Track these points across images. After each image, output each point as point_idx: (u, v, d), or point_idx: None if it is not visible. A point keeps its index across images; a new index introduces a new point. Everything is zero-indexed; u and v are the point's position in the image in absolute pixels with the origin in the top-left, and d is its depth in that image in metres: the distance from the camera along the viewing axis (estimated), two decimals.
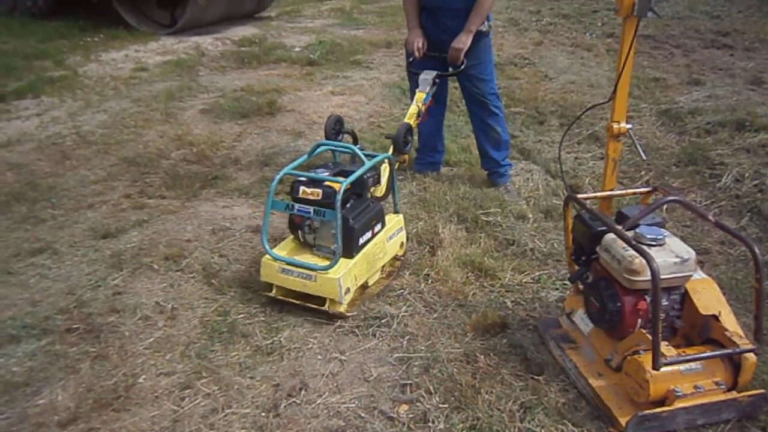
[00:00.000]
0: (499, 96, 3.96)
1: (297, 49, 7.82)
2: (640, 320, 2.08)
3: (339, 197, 2.56)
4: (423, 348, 2.52)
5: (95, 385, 2.36)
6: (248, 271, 3.11)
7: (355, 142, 3.21)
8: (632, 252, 1.99)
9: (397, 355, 2.50)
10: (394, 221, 3.03)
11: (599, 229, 2.19)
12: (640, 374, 1.98)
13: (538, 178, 4.22)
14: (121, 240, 3.40)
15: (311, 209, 2.67)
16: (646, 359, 1.98)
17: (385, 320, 2.69)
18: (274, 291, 2.77)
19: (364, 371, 2.42)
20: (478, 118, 3.97)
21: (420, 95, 3.44)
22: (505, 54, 7.30)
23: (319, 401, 2.27)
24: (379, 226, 2.89)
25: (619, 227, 2.05)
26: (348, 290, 2.67)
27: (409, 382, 2.34)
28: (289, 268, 2.70)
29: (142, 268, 3.13)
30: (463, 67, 3.58)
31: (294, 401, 2.26)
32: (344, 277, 2.63)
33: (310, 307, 2.72)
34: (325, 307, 2.68)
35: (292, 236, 2.91)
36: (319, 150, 3.00)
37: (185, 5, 8.25)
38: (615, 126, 2.29)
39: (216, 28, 8.84)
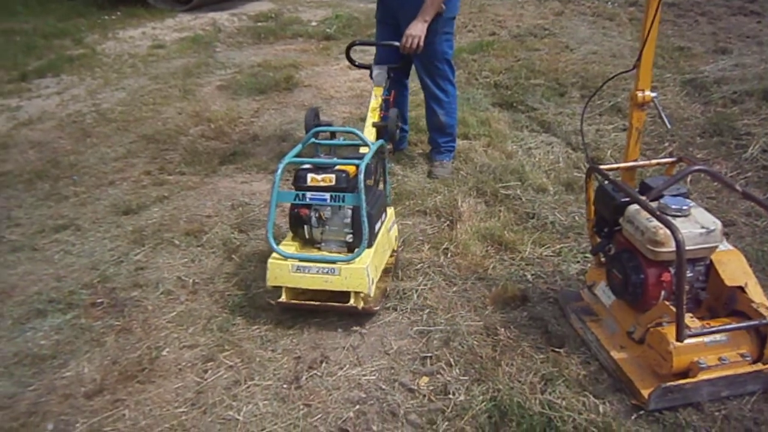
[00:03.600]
0: (451, 80, 3.78)
1: (313, 24, 7.76)
2: (663, 292, 2.05)
3: (362, 177, 2.38)
4: (443, 321, 2.52)
5: (120, 358, 2.40)
6: (267, 247, 3.11)
7: (333, 135, 2.94)
8: (656, 223, 1.96)
9: (417, 328, 2.50)
10: (389, 213, 2.84)
11: (622, 200, 2.15)
12: (664, 346, 1.96)
13: (559, 150, 4.16)
14: (143, 216, 3.44)
15: (327, 196, 2.45)
16: (670, 331, 1.95)
17: (404, 294, 2.69)
18: (284, 296, 2.48)
19: (384, 344, 2.43)
20: (426, 97, 3.86)
21: (378, 90, 3.26)
22: (525, 25, 7.16)
23: (340, 373, 2.28)
24: (384, 215, 2.75)
25: (643, 198, 2.01)
26: (373, 281, 2.46)
27: (429, 354, 2.35)
28: (305, 264, 2.43)
29: (163, 244, 3.16)
30: (412, 57, 3.48)
31: (315, 373, 2.28)
32: (371, 267, 2.43)
33: (332, 308, 2.50)
34: (351, 304, 2.42)
35: (290, 235, 2.65)
36: (310, 138, 2.77)
37: None
38: (639, 94, 2.24)
39: (232, 4, 8.80)
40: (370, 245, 2.45)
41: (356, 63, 3.61)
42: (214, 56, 6.47)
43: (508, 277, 2.78)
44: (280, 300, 2.48)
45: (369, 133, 3.06)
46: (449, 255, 2.98)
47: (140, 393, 2.23)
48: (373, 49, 3.77)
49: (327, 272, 2.41)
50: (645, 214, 2.02)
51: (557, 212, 3.30)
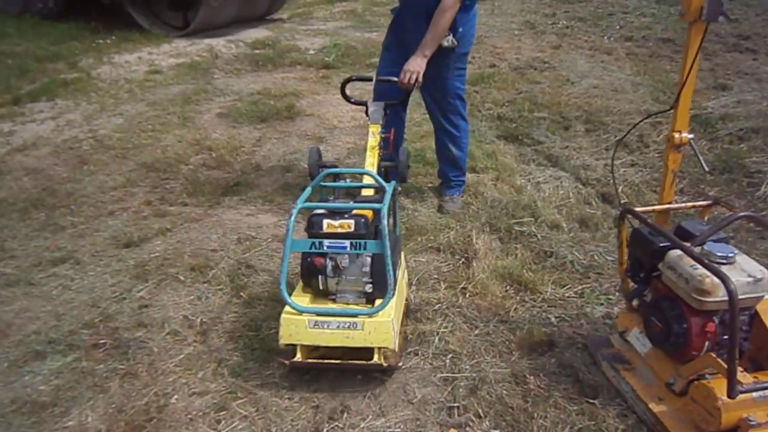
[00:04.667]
0: (463, 115, 3.70)
1: (311, 52, 7.72)
2: (707, 343, 1.96)
3: (385, 222, 2.20)
4: (468, 367, 2.40)
5: (126, 406, 2.25)
6: (277, 283, 2.98)
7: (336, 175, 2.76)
8: (702, 271, 1.87)
9: (440, 375, 2.38)
10: (402, 256, 2.66)
11: (661, 244, 2.06)
12: (711, 401, 1.86)
13: (568, 185, 4.09)
14: (145, 249, 3.30)
15: (347, 243, 2.24)
16: (717, 385, 1.86)
17: (425, 337, 2.57)
18: (299, 355, 2.26)
19: (407, 392, 2.30)
20: (437, 132, 3.79)
21: (375, 128, 3.08)
22: (524, 57, 7.18)
23: (362, 425, 2.15)
24: (401, 261, 2.58)
25: (687, 244, 1.93)
26: (397, 335, 2.27)
27: (456, 404, 2.23)
28: (324, 319, 2.22)
29: (167, 280, 3.02)
30: (411, 92, 3.35)
31: (336, 425, 2.15)
32: (395, 320, 2.26)
33: (353, 366, 2.29)
34: (376, 361, 2.22)
35: (300, 285, 2.45)
36: (320, 181, 2.58)
37: (198, 7, 8.15)
38: (676, 136, 2.18)
39: (228, 31, 8.73)
40: (391, 295, 2.24)
41: (351, 100, 3.40)
42: (212, 83, 6.38)
43: (531, 320, 2.68)
44: (295, 360, 2.25)
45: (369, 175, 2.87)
46: (467, 295, 2.87)
47: None
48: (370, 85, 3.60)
49: (348, 327, 2.20)
50: (688, 260, 1.93)
51: (575, 251, 3.22)
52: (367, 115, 3.19)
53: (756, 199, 3.80)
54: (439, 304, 2.80)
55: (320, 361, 2.29)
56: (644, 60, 6.99)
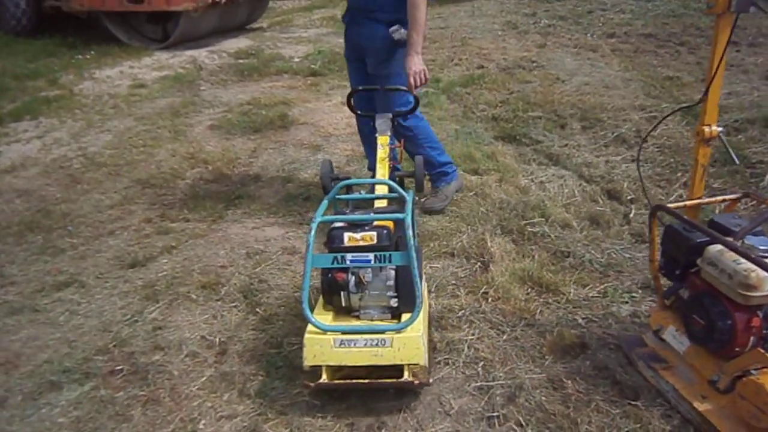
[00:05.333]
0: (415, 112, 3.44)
1: (296, 60, 7.64)
2: (752, 338, 1.93)
3: (410, 233, 2.09)
4: (502, 375, 2.35)
5: None
6: (292, 297, 2.92)
7: (349, 188, 2.69)
8: (746, 265, 1.84)
9: (474, 384, 2.32)
10: None
11: (699, 240, 2.03)
12: (762, 397, 1.83)
13: (572, 183, 4.07)
14: (151, 269, 3.19)
15: (371, 256, 2.14)
16: (767, 380, 1.82)
17: (453, 346, 2.51)
18: (324, 376, 2.14)
19: (442, 404, 2.24)
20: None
21: (383, 139, 2.97)
22: (511, 57, 7.18)
23: None
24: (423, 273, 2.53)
25: (729, 239, 1.90)
26: (426, 350, 2.18)
27: (496, 414, 2.17)
28: (350, 338, 2.11)
29: (179, 299, 2.92)
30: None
31: None
32: (425, 334, 2.18)
33: (383, 386, 2.20)
34: (407, 379, 2.11)
35: (321, 302, 2.36)
36: (336, 192, 2.48)
37: (177, 19, 8.03)
38: (706, 129, 2.15)
39: (209, 41, 8.63)
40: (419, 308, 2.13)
41: (359, 112, 3.32)
42: (199, 95, 6.28)
43: (558, 322, 2.63)
44: (321, 381, 2.14)
45: (381, 186, 2.76)
46: (489, 300, 2.82)
47: None
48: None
49: (376, 344, 2.10)
50: (730, 255, 1.90)
51: (591, 249, 3.19)
52: (373, 126, 3.10)
53: (761, 190, 3.81)
54: (462, 311, 2.74)
55: (348, 381, 2.17)
56: (630, 56, 7.03)
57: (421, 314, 2.14)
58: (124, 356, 2.56)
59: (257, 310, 2.84)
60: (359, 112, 3.32)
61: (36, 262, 3.32)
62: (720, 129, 2.17)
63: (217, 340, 2.64)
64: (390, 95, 3.32)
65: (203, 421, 2.21)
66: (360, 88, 3.32)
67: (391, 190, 2.55)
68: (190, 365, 2.50)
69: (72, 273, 3.19)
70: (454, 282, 3.00)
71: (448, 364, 2.43)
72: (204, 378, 2.42)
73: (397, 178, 2.87)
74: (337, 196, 2.49)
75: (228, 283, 3.04)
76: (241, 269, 3.16)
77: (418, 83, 3.20)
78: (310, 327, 2.14)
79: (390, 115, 3.08)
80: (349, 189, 2.64)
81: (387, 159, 2.92)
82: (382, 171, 2.86)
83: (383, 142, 2.98)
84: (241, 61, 7.63)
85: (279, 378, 2.40)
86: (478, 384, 2.32)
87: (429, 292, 2.86)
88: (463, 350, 2.48)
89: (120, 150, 4.82)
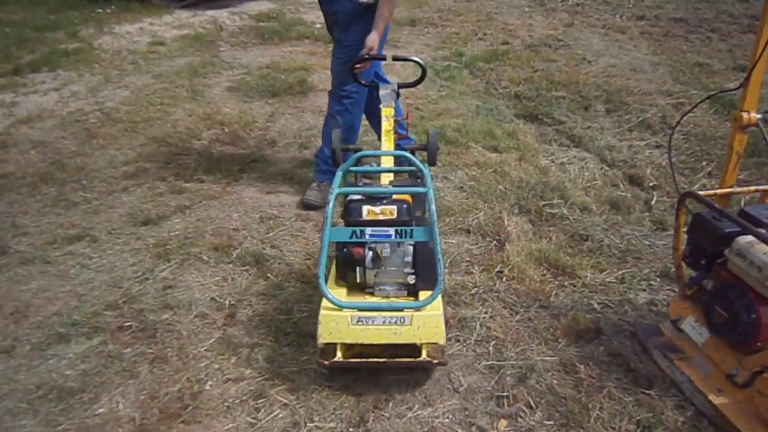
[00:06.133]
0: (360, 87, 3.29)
1: (318, 26, 7.50)
2: None
3: (434, 207, 2.04)
4: (513, 355, 2.31)
5: (158, 392, 2.15)
6: (304, 264, 2.89)
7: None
8: None
9: (485, 362, 2.28)
10: None
11: (728, 230, 1.97)
12: None
13: (594, 167, 3.99)
14: (164, 227, 3.17)
15: (391, 231, 2.07)
16: None
17: (465, 323, 2.48)
18: (339, 354, 2.07)
19: (452, 380, 2.21)
20: (330, 104, 3.51)
21: (388, 111, 2.86)
22: (536, 35, 7.02)
23: (409, 414, 2.06)
24: None
25: (761, 230, 1.83)
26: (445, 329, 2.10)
27: (505, 394, 2.14)
28: (368, 315, 2.03)
29: (190, 259, 2.90)
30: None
31: (382, 414, 2.06)
32: (444, 313, 2.10)
33: (400, 364, 2.12)
34: (425, 358, 2.05)
35: (333, 277, 2.26)
36: (351, 164, 2.36)
37: None
38: (745, 116, 2.07)
39: (230, 3, 8.50)
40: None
41: (362, 81, 3.16)
42: (218, 56, 6.19)
43: (573, 306, 2.58)
44: (336, 360, 2.06)
45: (387, 160, 2.67)
46: (504, 279, 2.78)
47: None
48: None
49: (395, 322, 2.02)
50: (762, 247, 1.84)
51: (610, 234, 3.12)
52: (378, 97, 2.97)
53: None
54: (476, 288, 2.70)
55: (364, 360, 2.11)
56: (659, 39, 6.85)
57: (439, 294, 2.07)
58: (134, 313, 2.54)
59: (268, 275, 2.81)
60: (363, 82, 3.16)
61: (49, 214, 3.30)
62: (759, 116, 2.08)
63: (227, 302, 2.62)
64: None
65: (210, 383, 2.20)
66: (366, 56, 3.09)
67: (400, 163, 2.45)
68: (199, 326, 2.48)
69: (84, 227, 3.17)
70: (468, 259, 2.96)
71: (459, 341, 2.39)
72: (212, 339, 2.41)
73: (409, 151, 2.70)
74: (351, 168, 2.40)
75: (240, 247, 3.01)
76: (253, 233, 3.13)
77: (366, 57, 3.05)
78: (325, 303, 2.05)
79: (395, 85, 2.96)
80: (359, 161, 2.51)
81: (393, 132, 2.81)
82: (388, 144, 2.76)
83: (388, 113, 2.86)
84: (262, 24, 7.51)
85: (288, 344, 2.38)
86: (489, 363, 2.28)
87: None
88: (475, 328, 2.45)
89: (137, 107, 4.77)
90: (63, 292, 2.68)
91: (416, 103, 5.03)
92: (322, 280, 2.03)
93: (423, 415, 2.06)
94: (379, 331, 2.03)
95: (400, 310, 2.04)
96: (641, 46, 6.55)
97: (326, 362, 2.07)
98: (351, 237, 2.09)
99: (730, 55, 6.22)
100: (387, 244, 2.15)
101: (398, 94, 2.98)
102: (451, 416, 2.06)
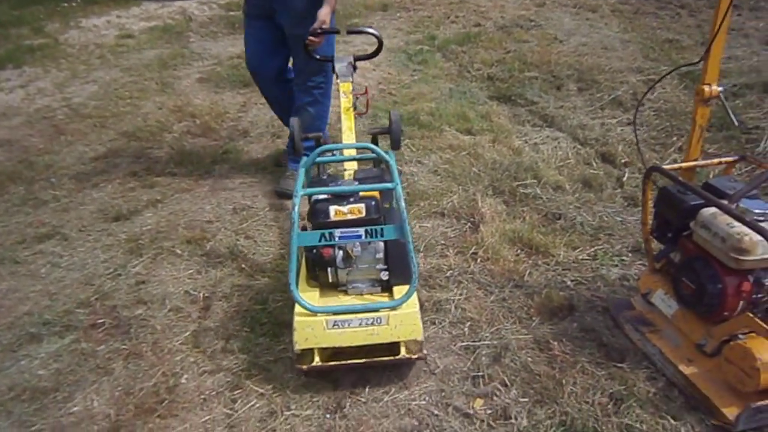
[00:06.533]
0: (327, 75, 3.28)
1: None
2: (742, 303, 1.91)
3: (402, 204, 1.98)
4: (488, 335, 2.33)
5: (133, 388, 2.14)
6: (278, 254, 2.88)
7: (318, 144, 2.51)
8: (740, 228, 1.81)
9: (461, 343, 2.30)
10: None
11: (692, 203, 1.99)
12: (748, 361, 1.81)
13: (566, 146, 4.00)
14: (136, 222, 3.14)
15: (361, 231, 2.02)
16: (754, 345, 1.81)
17: (440, 306, 2.49)
18: (317, 359, 2.04)
19: (428, 362, 2.22)
20: (297, 97, 3.39)
21: (346, 86, 2.77)
22: (508, 16, 7.01)
23: (386, 398, 2.07)
24: None
25: (724, 201, 1.86)
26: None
27: (481, 373, 2.15)
28: (343, 318, 2.00)
29: (163, 254, 2.88)
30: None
31: (359, 399, 2.06)
32: (419, 309, 2.08)
33: (380, 363, 2.09)
34: (404, 355, 2.04)
35: (304, 276, 2.23)
36: (314, 160, 2.25)
37: None
38: (706, 89, 2.08)
39: None
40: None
41: (317, 56, 2.99)
42: (188, 47, 6.11)
43: (547, 284, 2.61)
44: (314, 365, 2.03)
45: (348, 139, 2.63)
46: (479, 260, 2.79)
47: (163, 430, 1.98)
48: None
49: (372, 323, 1.99)
50: (724, 218, 1.87)
51: (583, 212, 3.15)
52: (333, 72, 2.89)
53: (757, 155, 3.76)
54: (451, 271, 2.71)
55: (342, 362, 2.07)
56: (630, 17, 6.87)
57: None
58: (106, 310, 2.52)
59: (242, 266, 2.79)
60: (318, 57, 2.99)
61: (17, 214, 3.25)
62: (720, 89, 2.10)
63: (201, 295, 2.61)
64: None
65: (185, 376, 2.19)
66: (319, 30, 2.88)
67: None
68: (173, 320, 2.47)
69: (54, 225, 3.13)
70: (443, 242, 2.96)
71: (434, 323, 2.40)
72: (187, 333, 2.40)
73: (372, 137, 2.64)
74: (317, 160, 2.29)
75: (214, 239, 2.99)
76: (227, 225, 3.11)
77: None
78: (298, 309, 2.02)
79: (351, 59, 2.86)
80: (321, 155, 2.33)
81: (351, 109, 2.73)
82: (348, 123, 2.68)
83: (346, 89, 2.76)
84: (232, 13, 7.41)
85: (263, 334, 2.37)
86: (464, 344, 2.30)
87: (417, 251, 2.82)
88: (450, 310, 2.46)
89: (105, 101, 4.70)
90: (34, 291, 2.65)
91: (389, 88, 5.02)
92: (293, 287, 1.99)
93: (400, 398, 2.07)
94: (356, 333, 2.01)
95: (376, 310, 2.02)
96: (612, 24, 6.57)
97: (304, 368, 2.04)
98: (320, 240, 2.03)
99: (699, 30, 6.26)
100: (358, 243, 2.11)
101: (355, 68, 2.88)
102: (427, 398, 2.07)
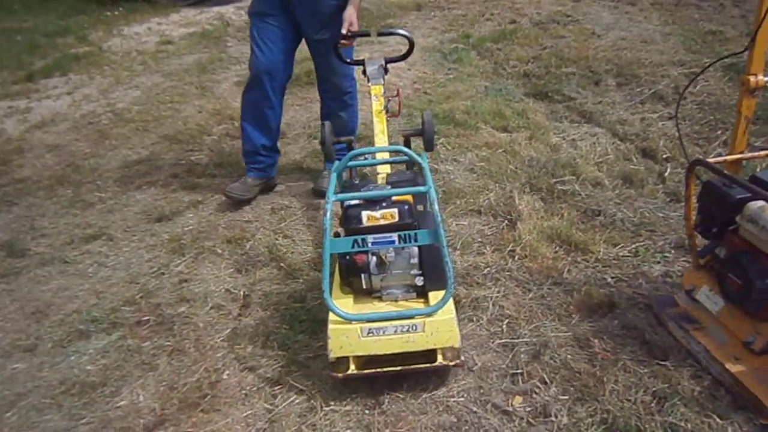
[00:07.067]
0: (353, 78, 3.32)
1: None
2: None
3: (437, 208, 1.93)
4: (527, 332, 2.31)
5: (177, 383, 2.19)
6: (316, 253, 2.91)
7: (350, 148, 2.55)
8: None
9: (499, 341, 2.29)
10: None
11: (739, 196, 1.94)
12: None
13: (606, 141, 3.94)
14: (178, 223, 3.21)
15: (394, 236, 1.97)
16: None
17: (478, 303, 2.48)
18: (352, 367, 2.01)
19: (466, 360, 2.21)
20: (326, 104, 3.43)
21: (377, 89, 2.76)
22: (545, 12, 6.94)
23: (424, 395, 2.07)
24: None
25: None
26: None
27: (519, 371, 2.14)
28: (378, 326, 1.97)
29: (205, 253, 2.94)
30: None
31: (397, 396, 2.07)
32: (457, 316, 2.04)
33: (416, 371, 2.05)
34: (441, 362, 2.00)
35: (338, 283, 2.20)
36: (346, 164, 2.25)
37: None
38: (752, 79, 2.02)
39: None
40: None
41: (347, 60, 3.03)
42: (226, 51, 6.22)
43: (587, 281, 2.57)
44: (350, 372, 2.00)
45: (381, 142, 2.61)
46: (516, 258, 2.77)
47: (206, 424, 2.02)
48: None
49: (407, 330, 1.95)
50: None
51: (623, 208, 3.09)
52: (364, 74, 2.88)
53: None
54: (488, 268, 2.70)
55: (378, 370, 2.03)
56: (670, 10, 6.72)
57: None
58: (151, 307, 2.59)
59: (281, 264, 2.83)
60: (349, 60, 3.03)
61: (65, 216, 3.36)
62: (767, 79, 2.04)
63: (242, 293, 2.65)
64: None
65: (227, 372, 2.23)
66: (349, 33, 2.91)
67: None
68: (215, 317, 2.52)
69: (100, 226, 3.23)
70: (480, 239, 2.95)
71: (472, 321, 2.39)
72: (228, 330, 2.44)
73: (405, 139, 2.62)
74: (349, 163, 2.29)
75: (253, 238, 3.04)
76: (266, 224, 3.16)
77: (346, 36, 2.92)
78: (332, 316, 2.00)
79: (383, 61, 2.84)
80: (353, 160, 2.34)
81: (383, 112, 2.71)
82: (381, 126, 2.66)
83: (377, 92, 2.74)
84: None
85: (302, 331, 2.40)
86: (503, 341, 2.28)
87: (454, 248, 2.82)
88: (488, 308, 2.45)
89: (147, 106, 4.82)
90: (82, 290, 2.74)
91: (424, 87, 5.02)
92: (327, 294, 1.97)
93: (438, 395, 2.07)
94: (392, 341, 1.97)
95: (412, 317, 1.98)
96: (652, 17, 6.43)
97: (340, 375, 2.03)
98: (353, 247, 2.00)
99: (743, 20, 6.08)
100: (391, 249, 2.07)
101: (386, 70, 2.87)
102: (465, 395, 2.06)
